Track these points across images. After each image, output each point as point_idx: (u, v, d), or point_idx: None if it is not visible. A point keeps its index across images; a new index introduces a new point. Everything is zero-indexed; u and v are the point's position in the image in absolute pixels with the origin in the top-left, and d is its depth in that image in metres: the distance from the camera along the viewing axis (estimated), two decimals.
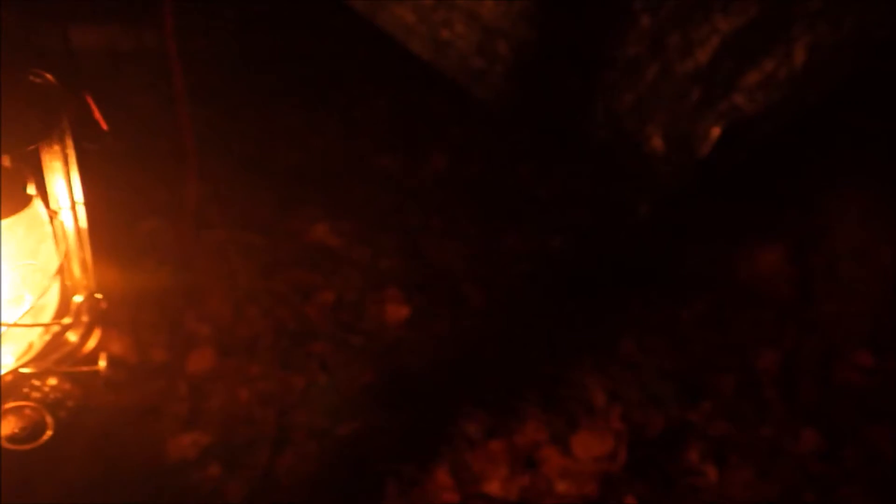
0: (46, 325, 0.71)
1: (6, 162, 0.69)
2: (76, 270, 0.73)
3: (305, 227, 1.97)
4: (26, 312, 0.69)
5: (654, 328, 1.85)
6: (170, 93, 1.21)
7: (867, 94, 1.78)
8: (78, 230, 0.72)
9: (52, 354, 0.70)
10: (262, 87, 2.40)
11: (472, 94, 2.06)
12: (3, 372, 0.69)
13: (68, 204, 0.71)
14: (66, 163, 0.70)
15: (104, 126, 0.70)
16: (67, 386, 0.69)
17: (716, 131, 1.66)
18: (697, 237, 2.04)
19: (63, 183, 0.70)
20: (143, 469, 1.36)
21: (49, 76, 0.68)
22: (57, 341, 0.71)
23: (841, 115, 1.76)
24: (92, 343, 0.72)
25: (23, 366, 0.69)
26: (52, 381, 0.69)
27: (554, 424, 1.62)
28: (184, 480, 1.34)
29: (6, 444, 0.67)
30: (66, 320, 0.72)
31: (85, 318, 0.72)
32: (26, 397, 0.68)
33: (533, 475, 1.54)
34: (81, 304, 0.73)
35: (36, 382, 0.69)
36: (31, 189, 0.70)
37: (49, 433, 0.68)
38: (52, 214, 0.71)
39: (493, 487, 1.51)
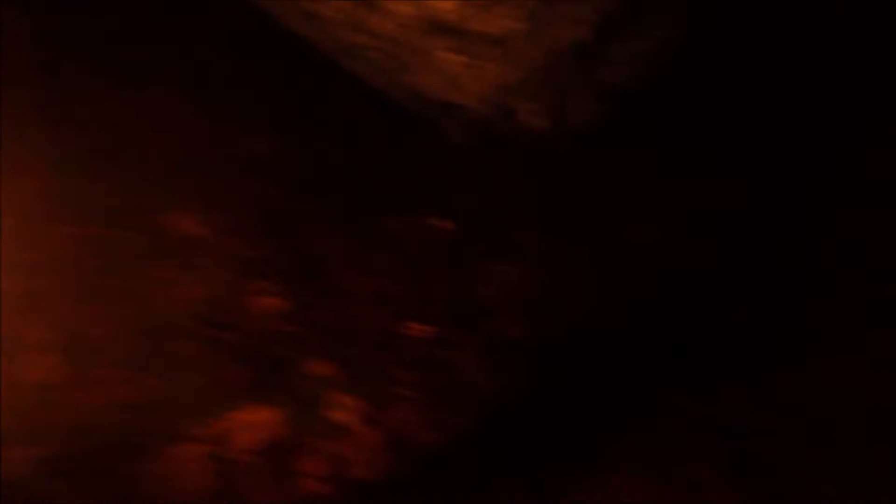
0: None
1: None
2: None
3: (168, 219, 1.95)
4: None
5: (537, 305, 1.94)
6: None
7: None
8: None
9: None
10: (122, 67, 2.33)
11: (348, 70, 2.07)
12: None
13: None
14: None
15: None
16: None
17: (592, 104, 1.75)
18: (588, 210, 2.14)
19: None
20: None
21: None
22: None
23: None
24: None
25: None
26: None
27: (430, 408, 1.69)
28: (22, 499, 1.33)
29: None
30: None
31: None
32: None
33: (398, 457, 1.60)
34: None
35: None
36: None
37: None
38: None
39: (366, 474, 1.57)
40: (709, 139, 2.22)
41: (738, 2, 1.85)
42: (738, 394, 1.70)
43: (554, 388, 1.75)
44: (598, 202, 2.10)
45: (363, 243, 2.06)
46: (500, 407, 1.72)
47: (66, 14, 2.35)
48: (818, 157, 2.16)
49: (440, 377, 1.77)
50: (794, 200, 2.14)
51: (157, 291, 1.75)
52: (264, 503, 1.47)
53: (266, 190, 2.18)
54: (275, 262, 1.97)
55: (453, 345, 1.82)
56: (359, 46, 1.82)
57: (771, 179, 2.17)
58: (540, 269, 1.99)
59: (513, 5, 1.68)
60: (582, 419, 1.68)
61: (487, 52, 1.66)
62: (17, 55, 1.52)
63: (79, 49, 2.32)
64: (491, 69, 1.71)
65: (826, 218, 2.06)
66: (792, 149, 2.21)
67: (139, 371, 1.61)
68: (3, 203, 1.70)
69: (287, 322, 1.83)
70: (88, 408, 1.52)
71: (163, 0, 2.46)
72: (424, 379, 1.76)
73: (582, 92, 1.73)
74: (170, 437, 1.51)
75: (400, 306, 1.91)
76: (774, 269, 1.99)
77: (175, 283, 1.81)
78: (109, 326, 1.65)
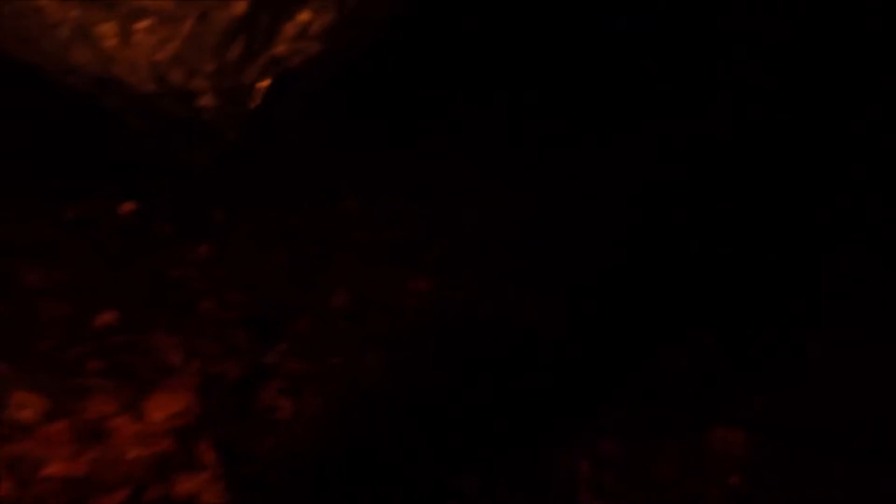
0: None
1: None
2: None
3: None
4: None
5: (233, 281, 1.99)
6: None
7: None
8: None
9: None
10: None
11: None
12: None
13: None
14: None
15: None
16: None
17: (264, 83, 1.83)
18: (271, 189, 2.23)
19: None
20: None
21: None
22: None
23: None
24: None
25: None
26: None
27: (124, 393, 1.65)
28: None
29: None
30: None
31: None
32: None
33: (102, 448, 1.56)
34: None
35: None
36: None
37: None
38: None
39: (57, 469, 1.50)
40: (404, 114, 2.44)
41: None
42: None
43: (252, 362, 1.82)
44: (291, 177, 2.20)
45: (42, 233, 1.95)
46: (199, 384, 1.74)
47: None
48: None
49: (133, 362, 1.74)
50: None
51: None
52: None
53: None
54: None
55: (146, 328, 1.80)
56: None
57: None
58: (233, 247, 2.03)
59: None
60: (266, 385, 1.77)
61: (142, 23, 1.68)
62: None
63: None
64: (147, 42, 1.72)
65: None
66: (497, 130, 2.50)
67: None
68: None
69: None
70: None
71: None
72: (115, 365, 1.72)
73: (250, 70, 1.80)
74: None
75: (87, 295, 1.84)
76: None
77: None
78: None
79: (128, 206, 2.11)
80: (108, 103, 1.85)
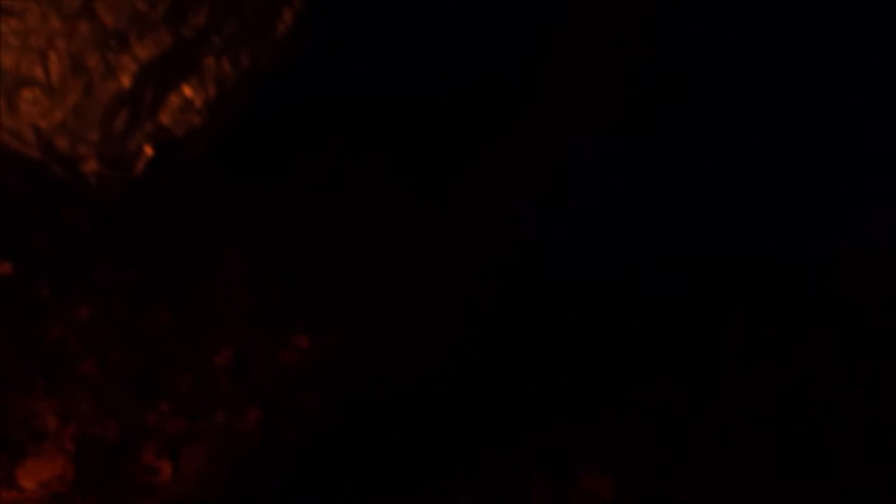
0: None
1: None
2: None
3: None
4: None
5: (114, 342, 2.02)
6: None
7: None
8: None
9: None
10: None
11: None
12: None
13: None
14: None
15: None
16: None
17: (148, 150, 1.91)
18: (155, 249, 2.27)
19: None
20: None
21: None
22: None
23: None
24: None
25: None
26: None
27: None
28: None
29: None
30: None
31: None
32: None
33: None
34: None
35: None
36: None
37: None
38: None
39: None
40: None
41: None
42: None
43: (132, 423, 1.86)
44: (174, 237, 2.25)
45: None
46: (75, 448, 1.76)
47: None
48: None
49: (6, 427, 1.75)
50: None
51: None
52: None
53: None
54: None
55: (21, 392, 1.81)
56: None
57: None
58: (115, 308, 2.07)
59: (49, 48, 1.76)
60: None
61: (27, 93, 1.76)
62: None
63: None
64: (32, 111, 1.79)
65: None
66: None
67: None
68: None
69: None
70: None
71: None
72: None
73: (135, 138, 1.88)
74: None
75: None
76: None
77: None
78: None
79: (4, 268, 2.11)
80: None
